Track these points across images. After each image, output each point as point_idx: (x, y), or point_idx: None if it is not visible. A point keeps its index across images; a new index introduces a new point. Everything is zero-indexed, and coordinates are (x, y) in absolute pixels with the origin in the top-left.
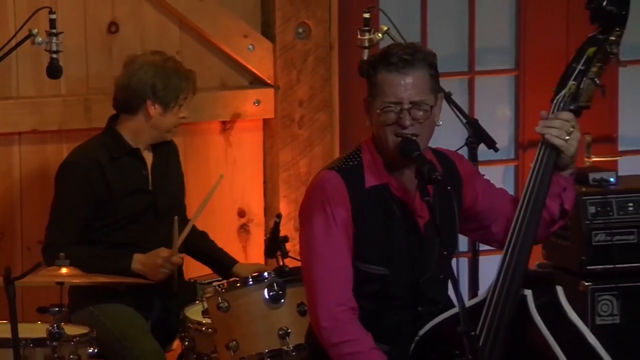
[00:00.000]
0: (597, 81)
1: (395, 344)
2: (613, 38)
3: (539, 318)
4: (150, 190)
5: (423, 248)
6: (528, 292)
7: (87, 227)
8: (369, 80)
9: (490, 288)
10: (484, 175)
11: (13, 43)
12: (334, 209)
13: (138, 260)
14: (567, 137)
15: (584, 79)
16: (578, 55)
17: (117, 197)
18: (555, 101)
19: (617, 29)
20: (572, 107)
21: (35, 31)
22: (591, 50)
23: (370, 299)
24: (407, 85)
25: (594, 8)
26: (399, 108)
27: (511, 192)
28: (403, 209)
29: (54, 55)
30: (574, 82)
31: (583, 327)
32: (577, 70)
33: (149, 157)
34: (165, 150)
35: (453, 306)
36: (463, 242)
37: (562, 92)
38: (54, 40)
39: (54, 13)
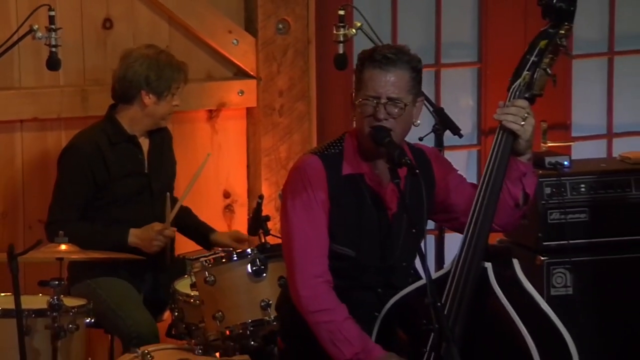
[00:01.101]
0: (549, 71)
1: (358, 319)
2: (562, 32)
3: (498, 288)
4: (146, 173)
5: (389, 237)
6: (488, 265)
7: (88, 206)
8: (356, 76)
9: (453, 262)
10: (457, 170)
11: (15, 38)
12: (314, 190)
13: (134, 234)
14: (522, 123)
15: (537, 69)
16: (531, 48)
17: (115, 178)
18: (511, 90)
19: (566, 23)
20: (526, 95)
21: (35, 27)
22: (543, 43)
23: (337, 276)
24: (387, 81)
25: (545, 4)
26: (376, 102)
27: (474, 174)
28: (374, 199)
29: (53, 49)
30: (527, 72)
31: (537, 295)
32: (530, 62)
33: (145, 143)
34: (160, 137)
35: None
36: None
37: (517, 82)
38: (53, 36)
39: (53, 10)
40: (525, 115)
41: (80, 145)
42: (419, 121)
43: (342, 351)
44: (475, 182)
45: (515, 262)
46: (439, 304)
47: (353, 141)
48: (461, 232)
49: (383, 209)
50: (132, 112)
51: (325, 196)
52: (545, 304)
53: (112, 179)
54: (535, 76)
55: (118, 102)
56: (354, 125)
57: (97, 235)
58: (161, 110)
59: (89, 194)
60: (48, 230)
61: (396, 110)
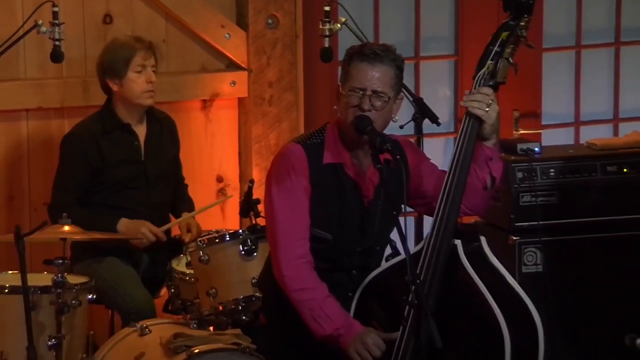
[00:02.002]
0: (511, 60)
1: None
2: (522, 23)
3: (467, 263)
4: (142, 160)
5: (365, 222)
6: (458, 242)
7: (86, 191)
8: (344, 69)
9: (426, 240)
10: (430, 159)
11: (21, 32)
12: (297, 176)
13: (123, 223)
14: (487, 109)
15: (500, 59)
16: (494, 39)
17: (109, 165)
18: (476, 78)
19: (526, 15)
20: (490, 83)
21: (40, 22)
22: (504, 34)
23: (315, 257)
24: (373, 75)
25: None
26: (361, 93)
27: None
28: (352, 187)
29: (57, 43)
30: (491, 62)
31: (502, 269)
32: (493, 52)
33: (142, 130)
34: (160, 125)
35: (396, 249)
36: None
37: (482, 71)
38: (56, 30)
39: (56, 6)
40: (490, 101)
41: (76, 134)
42: (397, 117)
43: (323, 327)
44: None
45: (483, 239)
46: (418, 281)
47: (334, 131)
48: (432, 216)
49: (360, 196)
50: (116, 101)
51: (307, 182)
52: (510, 277)
53: (107, 165)
54: (498, 65)
55: (106, 95)
56: (338, 115)
57: (90, 220)
58: (132, 90)
59: (85, 179)
60: (50, 212)
61: (379, 103)
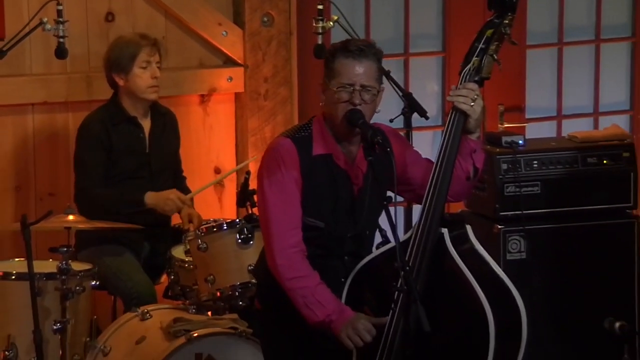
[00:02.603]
0: (495, 57)
1: (327, 284)
2: (506, 21)
3: (453, 250)
4: (147, 152)
5: (355, 209)
6: (444, 230)
7: (106, 173)
8: (327, 66)
9: (414, 228)
10: (413, 147)
11: (27, 30)
12: (287, 168)
13: (150, 196)
14: (472, 103)
15: (485, 55)
16: (479, 36)
17: (117, 154)
18: (462, 74)
19: (510, 14)
20: (476, 79)
21: (45, 20)
22: (489, 31)
23: (308, 244)
24: (359, 70)
25: None
26: (352, 88)
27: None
28: (342, 176)
29: (61, 40)
30: (476, 58)
31: (487, 256)
32: (478, 49)
33: (147, 124)
34: (162, 120)
35: (386, 237)
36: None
37: (468, 67)
38: (60, 28)
39: (61, 5)
40: (475, 96)
41: (90, 123)
42: (379, 108)
43: (315, 313)
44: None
45: (469, 227)
46: (407, 267)
47: (321, 124)
48: (417, 203)
49: (350, 184)
50: (122, 95)
51: (297, 174)
52: (495, 264)
53: (114, 154)
54: (483, 61)
55: (112, 89)
56: (324, 109)
57: (118, 197)
58: (137, 85)
59: (104, 162)
60: (77, 199)
61: (368, 97)
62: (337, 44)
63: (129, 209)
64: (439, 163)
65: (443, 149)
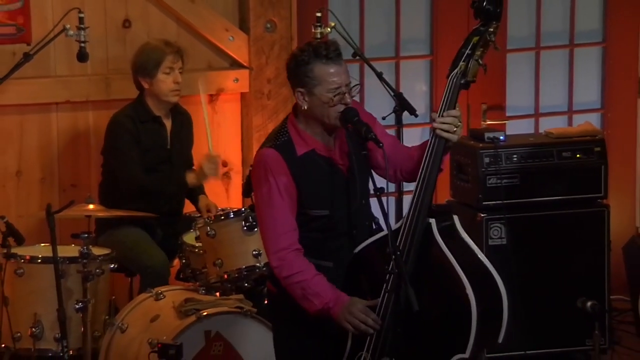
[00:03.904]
0: (480, 62)
1: (338, 261)
2: (491, 29)
3: (440, 239)
4: (169, 148)
5: (348, 185)
6: (432, 220)
7: (143, 162)
8: (304, 74)
9: (404, 218)
10: (377, 121)
11: (51, 35)
12: (276, 177)
13: (190, 175)
14: (455, 129)
15: (471, 60)
16: (465, 43)
17: (143, 149)
18: (450, 77)
19: (494, 22)
20: (462, 82)
21: (67, 26)
22: (475, 38)
23: (318, 231)
24: (342, 72)
25: (476, 7)
26: (342, 90)
27: None
28: (328, 163)
29: (82, 45)
30: (463, 63)
31: (473, 244)
32: (465, 54)
33: (168, 123)
34: (181, 120)
35: (379, 225)
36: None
37: (455, 71)
38: (81, 33)
39: (82, 13)
40: (458, 123)
41: (121, 119)
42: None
43: (314, 303)
44: None
45: (456, 217)
46: (398, 252)
47: (295, 126)
48: (402, 181)
49: (337, 167)
50: (147, 95)
51: (287, 178)
52: (480, 251)
53: (141, 148)
54: (469, 66)
55: (138, 90)
56: (310, 112)
57: (162, 181)
58: (160, 88)
59: (139, 152)
60: (125, 187)
61: (354, 93)
62: (308, 51)
63: (174, 189)
64: (420, 182)
65: (424, 169)
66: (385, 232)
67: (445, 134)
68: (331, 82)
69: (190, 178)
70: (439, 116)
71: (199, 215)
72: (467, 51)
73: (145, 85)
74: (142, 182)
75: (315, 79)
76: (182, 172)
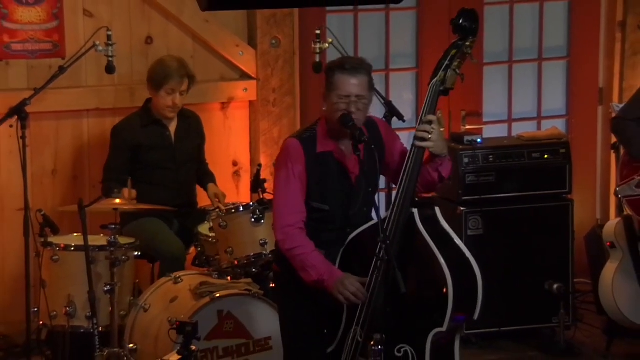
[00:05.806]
0: (458, 71)
1: (330, 252)
2: (468, 43)
3: (422, 228)
4: (173, 146)
5: (352, 193)
6: (415, 210)
7: (126, 170)
8: (328, 79)
9: (390, 209)
10: (400, 139)
11: (83, 51)
12: (294, 164)
13: (211, 187)
14: (429, 136)
15: (449, 70)
16: (445, 55)
17: (145, 149)
18: (430, 85)
19: (471, 37)
20: (441, 89)
21: (97, 43)
22: (454, 51)
23: (316, 222)
24: (354, 84)
25: (454, 24)
26: (349, 99)
27: None
28: (341, 168)
29: (110, 59)
30: (442, 72)
31: (452, 232)
32: (444, 65)
33: (173, 124)
34: (187, 121)
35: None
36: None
37: (435, 79)
38: (109, 49)
39: (110, 31)
40: (431, 130)
41: (119, 127)
42: (370, 111)
43: (310, 274)
44: None
45: (437, 209)
46: (388, 241)
47: (323, 126)
48: (395, 182)
49: (348, 174)
50: (153, 102)
51: (302, 168)
52: (458, 238)
53: (143, 149)
54: (447, 75)
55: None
56: (325, 114)
57: (163, 177)
58: (158, 103)
59: (125, 162)
60: (103, 187)
61: (362, 105)
62: (336, 61)
63: (179, 183)
64: (403, 181)
65: (405, 175)
66: (376, 220)
67: (419, 143)
68: (343, 89)
69: (211, 188)
70: (419, 119)
71: (212, 209)
72: (446, 62)
73: (150, 94)
74: (105, 186)
75: (333, 84)
76: (188, 169)
